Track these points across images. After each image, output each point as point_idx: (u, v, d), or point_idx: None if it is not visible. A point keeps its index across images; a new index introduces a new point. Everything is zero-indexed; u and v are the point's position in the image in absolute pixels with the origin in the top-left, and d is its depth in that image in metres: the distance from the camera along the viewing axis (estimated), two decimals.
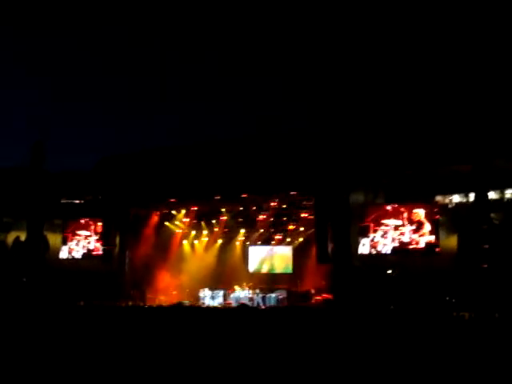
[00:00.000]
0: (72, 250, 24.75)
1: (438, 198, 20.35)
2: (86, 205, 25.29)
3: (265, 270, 26.60)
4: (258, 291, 23.17)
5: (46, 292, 21.37)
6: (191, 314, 19.78)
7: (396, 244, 19.94)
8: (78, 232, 24.79)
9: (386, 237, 20.03)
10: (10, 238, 24.91)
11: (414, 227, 19.77)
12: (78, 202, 25.45)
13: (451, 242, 19.75)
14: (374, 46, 36.34)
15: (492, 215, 19.17)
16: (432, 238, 19.53)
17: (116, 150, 34.83)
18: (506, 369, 9.35)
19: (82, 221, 24.92)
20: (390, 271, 20.26)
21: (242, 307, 21.76)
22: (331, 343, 12.32)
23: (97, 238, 24.47)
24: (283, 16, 38.83)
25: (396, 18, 34.67)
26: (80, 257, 24.63)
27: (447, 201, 20.41)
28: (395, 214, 20.01)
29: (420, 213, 19.75)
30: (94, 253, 24.41)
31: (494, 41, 30.29)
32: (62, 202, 25.21)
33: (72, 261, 24.68)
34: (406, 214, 19.88)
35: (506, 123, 18.45)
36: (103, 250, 23.77)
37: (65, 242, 24.94)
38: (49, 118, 40.26)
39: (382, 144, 20.13)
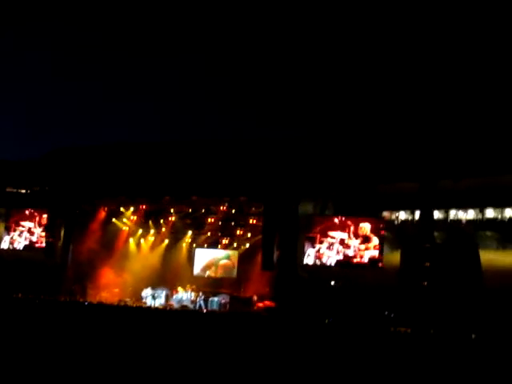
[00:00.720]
0: (14, 240, 24.10)
1: (385, 214, 20.62)
2: (32, 195, 24.72)
3: (209, 273, 26.50)
4: (200, 294, 22.96)
5: None
6: (131, 314, 19.54)
7: (340, 257, 20.07)
8: (22, 223, 24.11)
9: (331, 249, 20.13)
10: None
11: (359, 241, 19.94)
12: (24, 191, 24.87)
13: (395, 257, 20.01)
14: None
15: (435, 234, 19.58)
16: (376, 253, 19.73)
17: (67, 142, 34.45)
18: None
19: (27, 211, 24.25)
20: (333, 282, 20.43)
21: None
22: (270, 351, 12.36)
23: (40, 230, 23.86)
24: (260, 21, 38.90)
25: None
26: (22, 248, 24.00)
27: (393, 217, 20.70)
28: (342, 227, 20.14)
29: (366, 227, 19.94)
30: (37, 245, 23.81)
31: (441, 60, 31.08)
32: (8, 190, 24.61)
33: (14, 251, 24.01)
34: (352, 228, 20.04)
35: (454, 146, 18.90)
36: (46, 242, 23.27)
37: (7, 232, 24.25)
38: None
39: (332, 157, 20.34)
